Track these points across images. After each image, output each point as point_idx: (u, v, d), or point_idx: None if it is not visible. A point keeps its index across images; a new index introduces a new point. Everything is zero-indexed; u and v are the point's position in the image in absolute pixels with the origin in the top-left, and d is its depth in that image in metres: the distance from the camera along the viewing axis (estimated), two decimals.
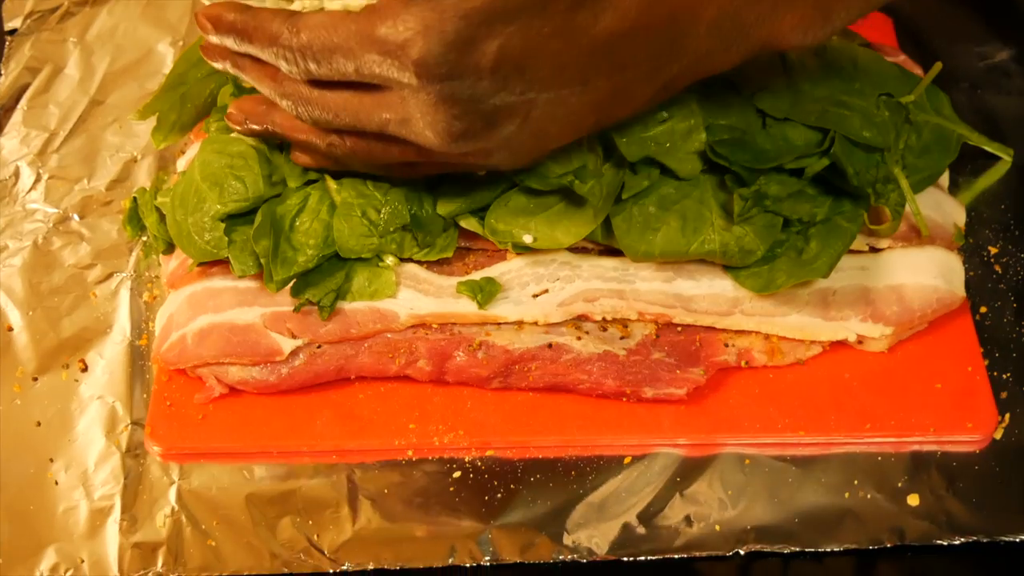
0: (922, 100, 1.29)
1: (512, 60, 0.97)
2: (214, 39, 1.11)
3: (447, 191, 1.21)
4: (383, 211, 1.20)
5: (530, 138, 1.05)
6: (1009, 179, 1.39)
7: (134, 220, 1.33)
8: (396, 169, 1.16)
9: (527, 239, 1.20)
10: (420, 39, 0.96)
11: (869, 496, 1.17)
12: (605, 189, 1.19)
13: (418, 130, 1.03)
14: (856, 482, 1.18)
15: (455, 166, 1.13)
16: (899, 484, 1.18)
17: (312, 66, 1.03)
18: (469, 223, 1.22)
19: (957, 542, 1.15)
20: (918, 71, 1.38)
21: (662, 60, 1.04)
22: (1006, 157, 1.37)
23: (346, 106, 1.06)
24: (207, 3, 1.10)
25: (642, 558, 1.15)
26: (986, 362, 1.25)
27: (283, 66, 1.06)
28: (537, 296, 1.22)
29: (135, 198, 1.33)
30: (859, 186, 1.20)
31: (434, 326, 1.23)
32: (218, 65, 1.15)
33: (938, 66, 1.30)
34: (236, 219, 1.22)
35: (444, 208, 1.21)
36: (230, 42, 1.09)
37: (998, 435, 1.20)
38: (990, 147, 1.34)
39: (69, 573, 1.15)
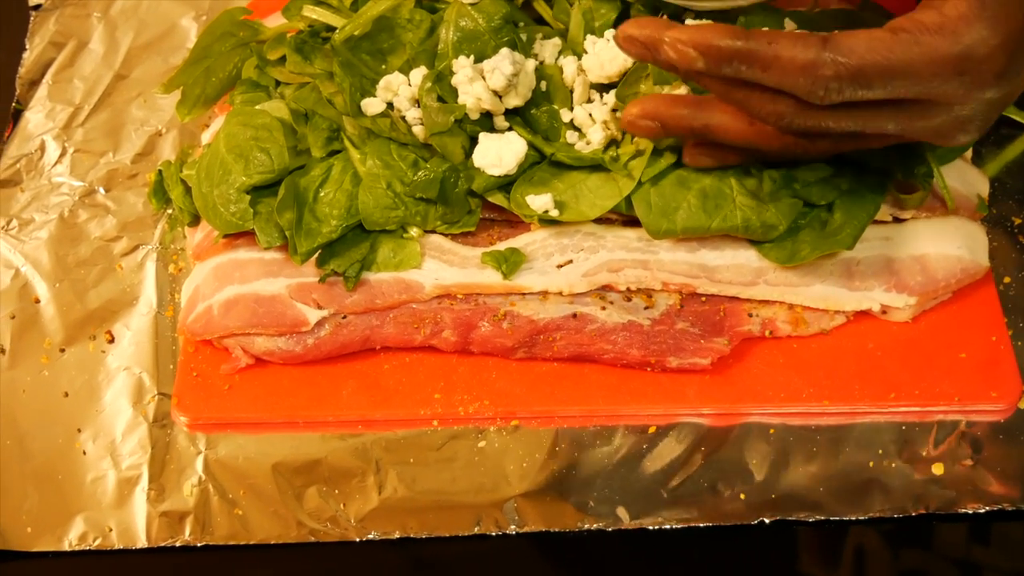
0: None
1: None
2: (692, 52, 1.02)
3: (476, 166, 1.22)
4: (412, 181, 1.21)
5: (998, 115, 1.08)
6: None
7: (159, 193, 1.34)
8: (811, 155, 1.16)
9: (554, 212, 1.20)
10: (1001, 52, 0.96)
11: (894, 465, 1.17)
12: (633, 165, 1.20)
13: (950, 131, 1.05)
14: (880, 451, 1.18)
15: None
16: (923, 453, 1.18)
17: (855, 92, 1.00)
18: (496, 198, 1.23)
19: (982, 510, 1.15)
20: None
21: None
22: None
23: (863, 118, 1.04)
24: (685, 27, 1.03)
25: (667, 527, 1.15)
26: (1010, 332, 1.24)
27: (800, 89, 1.00)
28: (561, 266, 1.22)
29: (160, 171, 1.33)
30: (880, 163, 1.20)
31: (459, 296, 1.23)
32: (676, 59, 1.04)
33: None
34: (261, 191, 1.23)
35: (475, 183, 1.22)
36: (714, 68, 1.02)
37: (1023, 404, 1.20)
38: (1017, 116, 1.33)
39: (97, 542, 1.16)
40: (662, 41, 1.04)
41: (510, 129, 1.24)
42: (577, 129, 1.25)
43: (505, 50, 1.21)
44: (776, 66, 1.00)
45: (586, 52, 1.25)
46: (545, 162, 1.22)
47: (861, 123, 1.04)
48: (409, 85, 1.24)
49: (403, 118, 1.23)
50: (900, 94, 1.00)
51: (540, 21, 1.32)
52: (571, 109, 1.25)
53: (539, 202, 1.20)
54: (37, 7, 1.61)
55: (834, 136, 1.10)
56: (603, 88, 1.26)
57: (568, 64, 1.25)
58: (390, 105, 1.24)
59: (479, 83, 1.20)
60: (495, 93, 1.21)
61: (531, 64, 1.22)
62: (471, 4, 1.24)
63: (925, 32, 0.97)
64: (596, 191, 1.21)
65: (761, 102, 1.05)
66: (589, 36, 1.26)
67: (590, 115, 1.24)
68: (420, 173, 1.21)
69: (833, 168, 1.21)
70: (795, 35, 1.00)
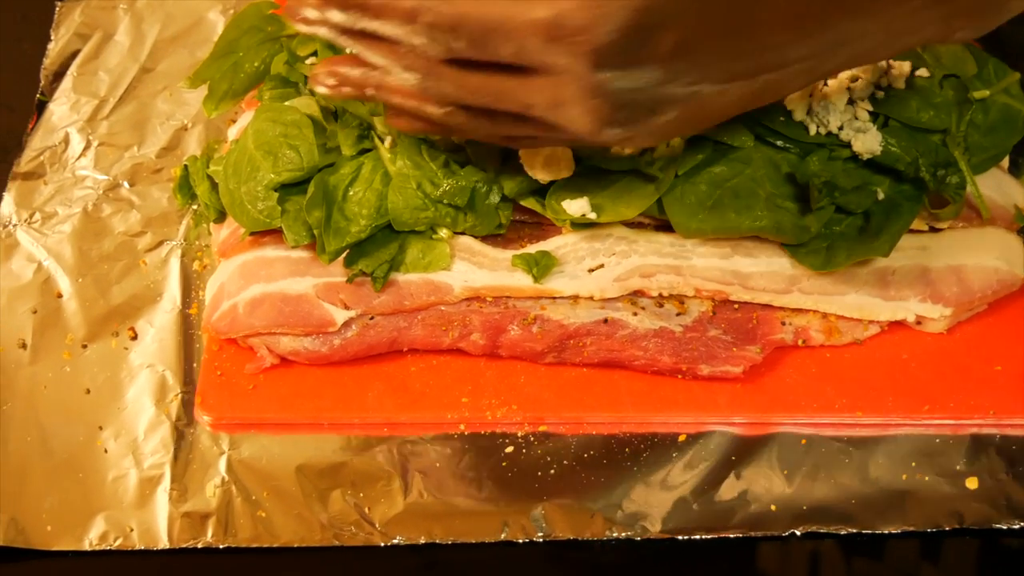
0: (989, 77, 1.28)
1: (688, 52, 0.94)
2: (313, 13, 1.04)
3: (510, 170, 1.20)
4: (443, 187, 1.19)
5: (679, 125, 1.02)
6: None
7: (184, 188, 1.33)
8: (507, 141, 1.11)
9: (591, 215, 1.19)
10: (598, 27, 0.90)
11: (927, 479, 1.16)
12: (669, 166, 1.18)
13: (570, 116, 0.99)
14: (914, 464, 1.17)
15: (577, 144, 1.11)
16: (958, 467, 1.16)
17: (457, 45, 0.97)
18: (529, 202, 1.22)
19: (1017, 526, 1.13)
20: (976, 46, 1.37)
21: (826, 56, 1.00)
22: None
23: (486, 87, 1.00)
24: None
25: (696, 537, 1.13)
26: None
27: (415, 42, 0.99)
28: (593, 271, 1.21)
29: (186, 166, 1.33)
30: (914, 175, 1.19)
31: (488, 299, 1.22)
32: (306, 29, 1.06)
33: (1015, 75, 1.30)
34: (289, 188, 1.22)
35: (508, 188, 1.20)
36: (341, 17, 1.02)
37: None
38: None
39: (118, 541, 1.14)
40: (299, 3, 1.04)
41: None
42: None
43: None
44: (387, 14, 0.98)
45: None
46: (579, 167, 1.20)
47: (484, 93, 1.00)
48: None
49: None
50: (496, 55, 0.96)
51: None
52: None
53: (575, 206, 1.18)
54: None
55: (481, 113, 1.04)
56: None
57: None
58: None
59: None
60: None
61: None
62: None
63: None
64: (631, 192, 1.19)
65: (395, 59, 1.02)
66: None
67: None
68: (451, 180, 1.19)
69: (868, 172, 1.21)
70: None
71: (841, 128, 1.21)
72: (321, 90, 1.11)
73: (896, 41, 1.01)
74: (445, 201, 1.20)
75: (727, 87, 0.99)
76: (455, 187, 1.19)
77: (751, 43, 0.96)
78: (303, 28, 1.07)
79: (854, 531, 1.13)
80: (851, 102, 1.22)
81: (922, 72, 1.26)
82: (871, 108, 1.22)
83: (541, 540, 1.14)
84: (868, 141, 1.19)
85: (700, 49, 0.95)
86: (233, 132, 1.36)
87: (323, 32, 1.05)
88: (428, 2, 0.96)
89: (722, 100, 1.00)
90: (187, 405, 1.23)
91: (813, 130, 1.21)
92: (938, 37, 1.02)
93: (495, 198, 1.21)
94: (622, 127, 0.99)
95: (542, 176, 1.18)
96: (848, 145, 1.20)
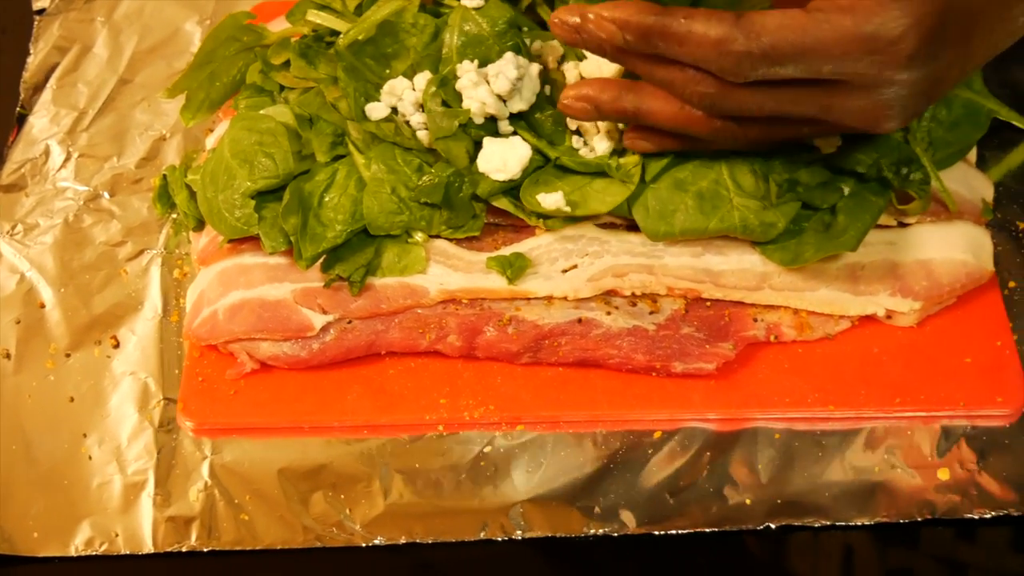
0: None
1: (966, 36, 1.00)
2: (593, 27, 1.06)
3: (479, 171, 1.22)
4: (418, 184, 1.21)
5: (930, 101, 1.07)
6: None
7: (164, 197, 1.34)
8: (763, 139, 1.15)
9: (566, 208, 1.20)
10: (912, 33, 0.96)
11: (899, 470, 1.17)
12: (635, 172, 1.20)
13: (873, 115, 1.04)
14: (886, 456, 1.18)
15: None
16: (929, 458, 1.18)
17: (769, 69, 1.01)
18: (501, 202, 1.23)
19: (988, 516, 1.15)
20: None
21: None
22: None
23: (784, 98, 1.05)
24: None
25: (673, 532, 1.15)
26: (1015, 336, 1.24)
27: (715, 65, 1.02)
28: (566, 271, 1.22)
29: (165, 175, 1.34)
30: (874, 173, 1.20)
31: (464, 301, 1.23)
32: (574, 40, 1.09)
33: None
34: (266, 196, 1.23)
35: (480, 188, 1.22)
36: (635, 44, 1.05)
37: None
38: (1020, 122, 1.33)
39: (103, 547, 1.16)
40: (587, 19, 1.06)
41: (514, 133, 1.24)
42: (580, 134, 1.25)
43: (509, 54, 1.21)
44: (690, 41, 1.01)
45: (586, 57, 1.26)
46: (550, 165, 1.22)
47: (781, 104, 1.05)
48: (413, 90, 1.24)
49: (407, 123, 1.24)
50: (813, 73, 1.01)
51: (543, 25, 1.32)
52: None
53: (550, 200, 1.20)
54: (41, 11, 1.61)
55: (762, 121, 1.10)
56: None
57: (570, 69, 1.25)
58: (394, 110, 1.25)
59: (483, 87, 1.20)
60: (499, 97, 1.21)
61: (535, 68, 1.23)
62: (475, 8, 1.24)
63: (836, 11, 0.97)
64: (603, 191, 1.21)
65: (684, 82, 1.06)
66: None
67: (596, 126, 1.24)
68: (424, 178, 1.21)
69: (835, 172, 1.22)
70: (709, 12, 1.01)
71: None
72: (570, 115, 1.16)
73: None
74: (421, 200, 1.21)
75: (975, 63, 1.06)
76: (429, 184, 1.21)
77: (1000, 15, 1.03)
78: (568, 37, 1.10)
79: (828, 523, 1.15)
80: None
81: None
82: None
83: (520, 538, 1.15)
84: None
85: (972, 31, 1.01)
86: (211, 141, 1.38)
87: (594, 46, 1.09)
88: (734, 31, 0.99)
89: (961, 71, 1.05)
90: (169, 411, 1.24)
91: None
92: None
93: (468, 190, 1.22)
94: (902, 117, 1.05)
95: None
96: (811, 148, 1.22)
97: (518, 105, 1.22)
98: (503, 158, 1.21)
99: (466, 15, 1.23)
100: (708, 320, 1.23)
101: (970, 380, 1.21)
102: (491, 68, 1.21)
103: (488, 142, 1.22)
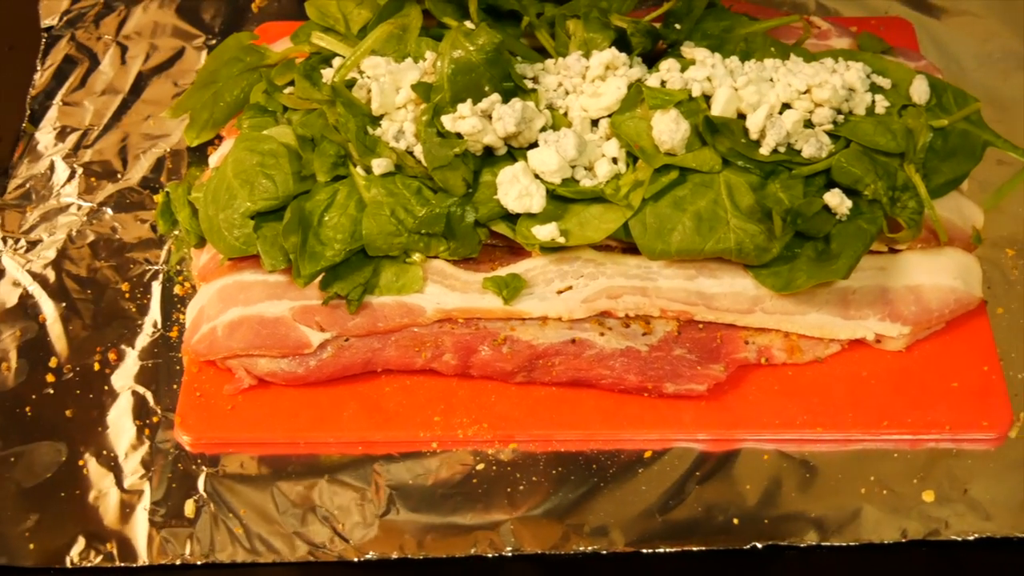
0: (949, 105, 1.31)
1: None
2: None
3: (481, 197, 1.24)
4: (418, 216, 1.22)
5: None
6: None
7: (166, 214, 1.36)
8: None
9: (560, 239, 1.22)
10: None
11: (885, 492, 1.19)
12: (633, 195, 1.22)
13: None
14: (873, 478, 1.19)
15: None
16: (915, 481, 1.19)
17: None
18: (500, 227, 1.25)
19: (972, 538, 1.16)
20: (940, 75, 1.40)
21: None
22: None
23: None
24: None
25: (661, 550, 1.16)
26: (1002, 362, 1.26)
27: None
28: (561, 292, 1.24)
29: (167, 193, 1.35)
30: (870, 194, 1.22)
31: (460, 321, 1.25)
32: None
33: (977, 104, 1.33)
34: (266, 215, 1.25)
35: (480, 212, 1.23)
36: None
37: (1013, 433, 1.22)
38: (1015, 153, 1.34)
39: (98, 559, 1.17)
40: None
41: (509, 154, 1.25)
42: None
43: (517, 102, 1.23)
44: None
45: (583, 92, 1.27)
46: (548, 196, 1.23)
47: None
48: (411, 122, 1.26)
49: (410, 152, 1.25)
50: None
51: (541, 50, 1.34)
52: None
53: (544, 232, 1.21)
54: (49, 29, 1.63)
55: None
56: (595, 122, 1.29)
57: (571, 102, 1.27)
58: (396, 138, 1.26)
59: (484, 125, 1.22)
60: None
61: (531, 108, 1.24)
62: (465, 34, 1.25)
63: None
64: (599, 217, 1.23)
65: None
66: (588, 73, 1.29)
67: (601, 151, 1.26)
68: (425, 209, 1.22)
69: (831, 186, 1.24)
70: None
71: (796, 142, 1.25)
72: None
73: None
74: (423, 231, 1.23)
75: None
76: (430, 215, 1.22)
77: None
78: None
79: (814, 544, 1.16)
80: (810, 125, 1.26)
81: (882, 100, 1.29)
82: (831, 130, 1.26)
83: (510, 555, 1.16)
84: (816, 145, 1.23)
85: None
86: (214, 160, 1.39)
87: None
88: None
89: None
90: (167, 426, 1.25)
91: (770, 149, 1.24)
92: None
93: (470, 218, 1.23)
94: None
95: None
96: (808, 163, 1.23)
97: (519, 142, 1.25)
98: (525, 191, 1.22)
99: (456, 42, 1.25)
100: (700, 342, 1.24)
101: (957, 404, 1.23)
102: (495, 112, 1.23)
103: (505, 173, 1.23)
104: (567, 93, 1.29)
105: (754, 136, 1.24)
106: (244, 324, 1.24)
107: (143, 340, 1.32)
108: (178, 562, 1.17)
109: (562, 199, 1.24)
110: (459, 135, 1.23)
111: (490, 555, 1.17)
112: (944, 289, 1.25)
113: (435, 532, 1.18)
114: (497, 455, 1.22)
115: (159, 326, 1.33)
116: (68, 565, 1.17)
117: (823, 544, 1.16)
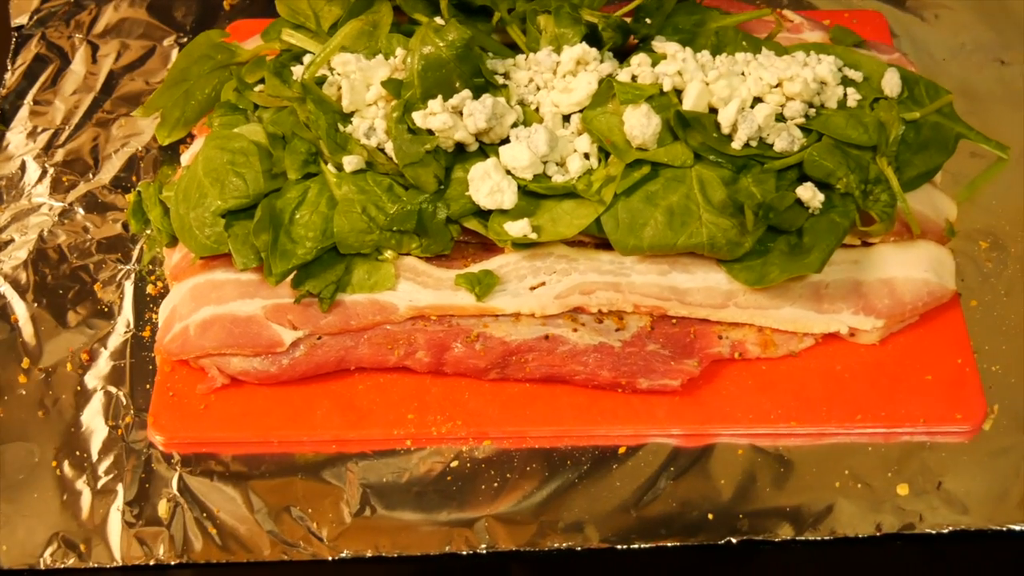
0: (921, 97, 1.31)
1: None
2: None
3: (453, 194, 1.23)
4: (390, 214, 1.22)
5: None
6: (999, 174, 1.40)
7: (138, 214, 1.35)
8: None
9: (532, 235, 1.22)
10: None
11: (860, 486, 1.19)
12: (605, 191, 1.22)
13: None
14: (847, 472, 1.19)
15: None
16: (889, 474, 1.19)
17: None
18: (472, 223, 1.24)
19: (946, 531, 1.16)
20: (913, 68, 1.41)
21: None
22: (1003, 156, 1.37)
23: None
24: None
25: (635, 546, 1.16)
26: (976, 355, 1.26)
27: None
28: (534, 289, 1.24)
29: (139, 192, 1.35)
30: (843, 188, 1.22)
31: (433, 318, 1.24)
32: None
33: (949, 97, 1.33)
34: (237, 213, 1.24)
35: (452, 208, 1.23)
36: None
37: (987, 426, 1.22)
38: (988, 145, 1.34)
39: (72, 560, 1.17)
40: None
41: (481, 151, 1.25)
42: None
43: (488, 98, 1.23)
44: None
45: (554, 87, 1.27)
46: (519, 190, 1.23)
47: None
48: (382, 119, 1.26)
49: (381, 149, 1.25)
50: None
51: (513, 46, 1.34)
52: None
53: (516, 228, 1.21)
54: (19, 28, 1.62)
55: None
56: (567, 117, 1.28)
57: (542, 97, 1.27)
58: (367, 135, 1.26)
59: (455, 122, 1.22)
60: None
61: (502, 104, 1.24)
62: (435, 30, 1.25)
63: None
64: (571, 213, 1.23)
65: None
66: (559, 68, 1.28)
67: (572, 147, 1.25)
68: (396, 206, 1.22)
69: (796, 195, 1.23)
70: None
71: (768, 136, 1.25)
72: None
73: None
74: (395, 228, 1.23)
75: None
76: (401, 213, 1.22)
77: None
78: None
79: (789, 538, 1.16)
80: (782, 119, 1.26)
81: (853, 93, 1.29)
82: (803, 124, 1.26)
83: (485, 552, 1.16)
84: (788, 139, 1.23)
85: None
86: (185, 158, 1.39)
87: None
88: None
89: None
90: (140, 426, 1.25)
91: (741, 143, 1.24)
92: None
93: (442, 214, 1.23)
94: None
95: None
96: (780, 157, 1.24)
97: (490, 138, 1.25)
98: (498, 187, 1.22)
99: (427, 38, 1.24)
100: (673, 337, 1.24)
101: (931, 397, 1.23)
102: (466, 107, 1.23)
103: (476, 169, 1.23)
104: (538, 89, 1.29)
105: (726, 130, 1.24)
106: (216, 323, 1.24)
107: (115, 340, 1.31)
108: (152, 562, 1.17)
109: (534, 195, 1.23)
110: (430, 131, 1.23)
111: (465, 552, 1.16)
112: (917, 282, 1.26)
113: (410, 530, 1.17)
114: (471, 452, 1.22)
115: (131, 326, 1.32)
116: (41, 566, 1.17)
117: (798, 539, 1.16)
